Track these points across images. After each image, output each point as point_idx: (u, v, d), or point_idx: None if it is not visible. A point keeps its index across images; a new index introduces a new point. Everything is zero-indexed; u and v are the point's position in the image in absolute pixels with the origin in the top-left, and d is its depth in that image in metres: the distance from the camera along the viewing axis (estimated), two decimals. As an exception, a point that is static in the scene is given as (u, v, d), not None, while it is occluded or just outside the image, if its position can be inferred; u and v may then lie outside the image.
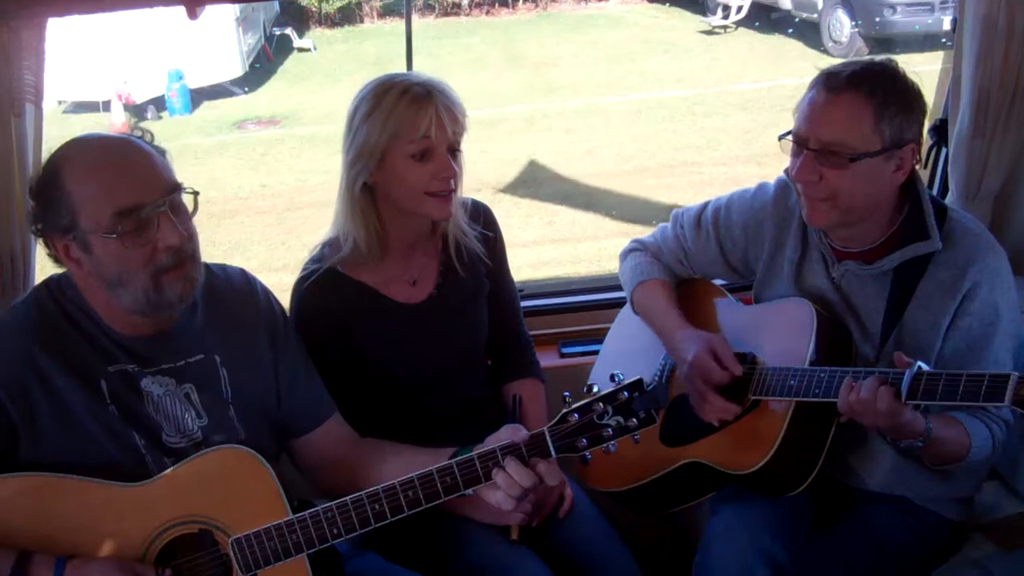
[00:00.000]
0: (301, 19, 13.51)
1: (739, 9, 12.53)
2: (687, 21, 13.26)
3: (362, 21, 13.74)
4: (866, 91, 1.99)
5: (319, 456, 2.09)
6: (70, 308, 1.86)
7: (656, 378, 2.39)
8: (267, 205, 8.45)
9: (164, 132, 9.57)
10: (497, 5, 14.12)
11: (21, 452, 1.81)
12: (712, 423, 2.18)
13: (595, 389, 1.84)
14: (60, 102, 10.16)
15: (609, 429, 1.81)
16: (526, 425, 2.01)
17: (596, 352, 2.68)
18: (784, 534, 2.13)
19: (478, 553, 2.13)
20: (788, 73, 10.57)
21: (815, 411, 2.06)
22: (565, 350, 3.00)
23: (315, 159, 9.05)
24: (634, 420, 1.81)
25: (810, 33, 11.87)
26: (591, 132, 9.79)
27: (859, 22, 11.16)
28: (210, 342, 1.95)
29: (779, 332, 2.20)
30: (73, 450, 1.81)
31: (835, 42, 11.41)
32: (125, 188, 1.75)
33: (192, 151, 9.45)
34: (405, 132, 2.08)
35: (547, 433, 1.81)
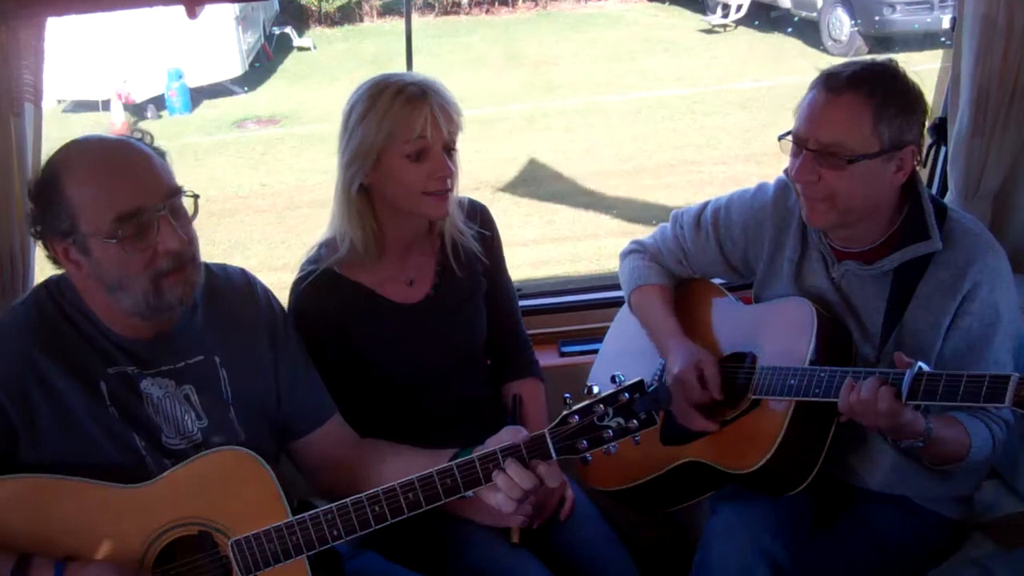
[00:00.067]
0: (301, 18, 13.50)
1: (739, 8, 12.51)
2: (687, 20, 13.25)
3: (362, 20, 13.72)
4: (866, 92, 1.98)
5: (319, 457, 2.08)
6: (69, 309, 1.86)
7: (656, 379, 2.39)
8: (267, 204, 8.45)
9: (164, 131, 9.65)
10: (497, 4, 14.10)
11: (20, 454, 1.81)
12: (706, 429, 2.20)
13: (595, 390, 1.84)
14: (60, 101, 10.14)
15: (610, 431, 1.80)
16: (526, 425, 2.02)
17: (596, 351, 2.68)
18: (784, 533, 2.13)
19: (478, 555, 2.12)
20: (788, 72, 10.56)
21: (815, 410, 2.06)
22: (564, 349, 3.00)
23: (315, 158, 9.05)
24: (635, 421, 1.80)
25: (810, 32, 11.86)
26: (591, 131, 9.78)
27: (858, 21, 11.15)
28: (210, 343, 1.94)
29: (779, 332, 2.20)
30: (73, 451, 1.81)
31: (835, 41, 11.40)
32: (125, 192, 1.74)
33: (192, 150, 9.45)
34: (401, 132, 2.08)
35: (548, 435, 1.81)
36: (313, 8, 13.56)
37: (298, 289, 2.23)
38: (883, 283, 2.14)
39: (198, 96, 10.86)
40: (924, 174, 2.91)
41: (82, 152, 1.80)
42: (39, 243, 1.84)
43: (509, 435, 1.84)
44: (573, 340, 3.02)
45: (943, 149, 2.87)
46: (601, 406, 1.81)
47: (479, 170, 8.28)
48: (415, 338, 2.26)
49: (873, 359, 2.15)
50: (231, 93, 11.13)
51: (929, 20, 10.47)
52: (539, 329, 2.95)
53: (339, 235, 2.21)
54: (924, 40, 10.25)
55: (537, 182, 8.57)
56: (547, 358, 2.87)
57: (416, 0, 13.38)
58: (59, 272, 1.87)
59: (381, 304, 2.25)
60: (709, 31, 12.70)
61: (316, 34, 13.31)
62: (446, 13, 13.85)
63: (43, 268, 1.98)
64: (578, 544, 2.24)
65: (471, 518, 2.17)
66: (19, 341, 1.81)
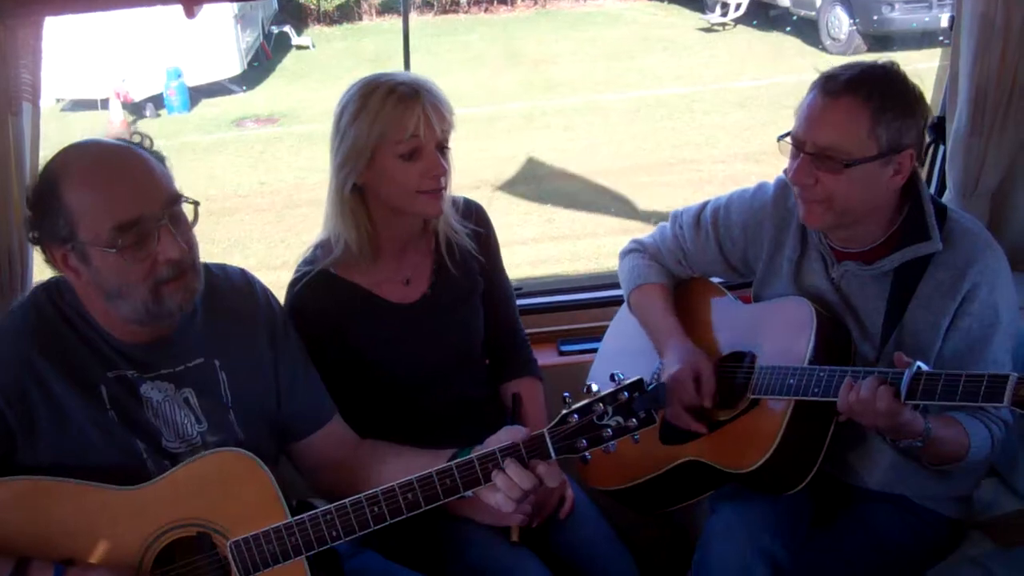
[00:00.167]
0: (300, 17, 13.49)
1: (737, 6, 12.52)
2: (686, 18, 13.25)
3: (361, 19, 13.72)
4: (863, 96, 1.97)
5: (320, 458, 2.08)
6: (69, 312, 1.85)
7: (655, 377, 2.39)
8: (266, 203, 8.44)
9: (162, 130, 9.66)
10: (496, 2, 14.09)
11: (19, 456, 1.80)
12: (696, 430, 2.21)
13: (594, 388, 1.84)
14: (58, 100, 10.13)
15: (609, 429, 1.80)
16: (525, 425, 2.01)
17: (595, 350, 2.68)
18: (783, 532, 2.13)
19: (478, 554, 2.12)
20: (786, 70, 10.56)
21: (814, 410, 2.06)
22: (564, 348, 3.00)
23: (314, 156, 9.04)
24: (634, 420, 1.80)
25: (808, 30, 11.86)
26: (590, 129, 9.78)
27: (857, 19, 11.15)
28: (209, 346, 1.94)
29: (778, 331, 2.20)
30: (71, 454, 1.81)
31: (833, 39, 11.40)
32: (125, 202, 1.72)
33: (191, 149, 9.45)
34: (393, 132, 2.08)
35: (547, 435, 1.81)
36: (312, 7, 13.56)
37: (294, 290, 2.22)
38: (883, 283, 2.14)
39: (197, 95, 10.84)
40: (922, 173, 2.91)
41: (81, 158, 1.77)
42: (37, 248, 1.83)
43: (508, 435, 1.84)
44: (572, 339, 3.02)
45: (941, 148, 2.87)
46: (600, 405, 1.80)
47: (478, 169, 8.28)
48: (413, 338, 2.26)
49: (873, 359, 2.15)
50: (230, 92, 11.12)
51: (928, 19, 10.47)
52: (538, 328, 2.95)
53: (333, 236, 2.20)
54: (923, 39, 10.24)
55: (536, 181, 8.57)
56: (546, 357, 2.87)
57: (415, -2, 13.41)
58: (58, 274, 1.86)
59: (378, 304, 2.25)
60: (708, 30, 12.71)
61: (315, 33, 13.31)
62: (445, 12, 13.85)
63: (42, 268, 1.97)
64: (578, 543, 2.24)
65: (471, 517, 2.17)
66: (17, 343, 1.81)
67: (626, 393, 1.80)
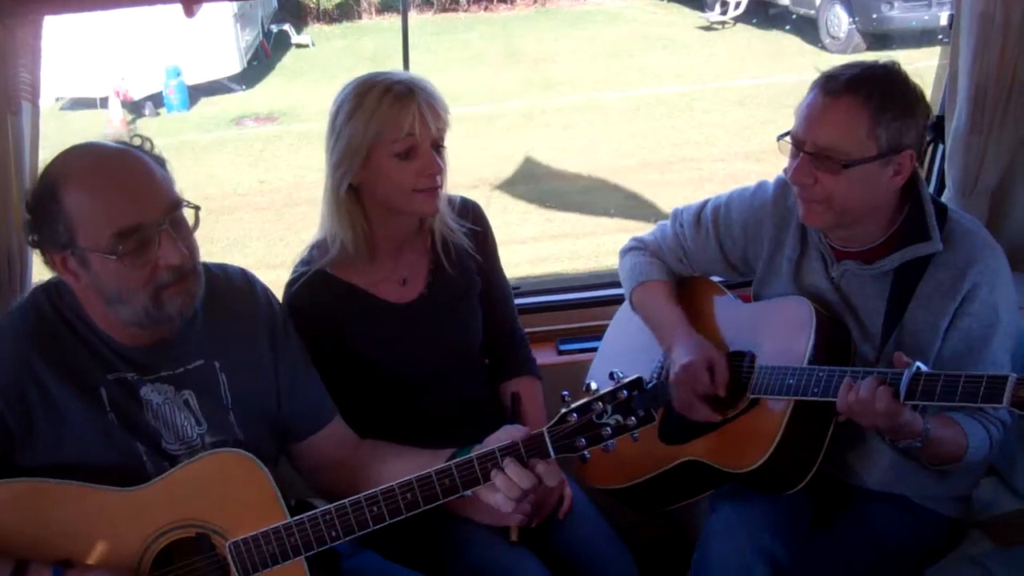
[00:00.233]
0: (299, 15, 13.49)
1: (737, 5, 12.52)
2: (685, 17, 13.24)
3: (360, 17, 13.71)
4: (863, 96, 1.97)
5: (320, 458, 2.08)
6: (68, 314, 1.84)
7: (655, 376, 2.39)
8: (265, 201, 8.44)
9: (162, 129, 9.67)
10: (495, 1, 14.09)
11: (17, 457, 1.80)
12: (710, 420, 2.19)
13: (593, 387, 1.83)
14: (58, 99, 10.12)
15: (608, 428, 1.79)
16: (524, 424, 2.01)
17: (594, 349, 2.68)
18: (783, 532, 2.13)
19: (478, 554, 2.12)
20: (786, 69, 10.56)
21: (814, 410, 2.06)
22: (563, 347, 3.00)
23: (313, 155, 9.01)
24: (633, 419, 1.80)
25: (808, 29, 11.85)
26: (589, 128, 9.77)
27: (857, 18, 11.14)
28: (210, 347, 1.93)
29: (778, 330, 2.20)
30: (70, 455, 1.80)
31: (833, 38, 11.39)
32: (125, 208, 1.70)
33: (190, 147, 9.45)
34: (389, 131, 2.08)
35: (546, 434, 1.80)
36: (311, 5, 13.55)
37: (290, 291, 2.22)
38: (883, 283, 2.14)
39: (196, 93, 10.84)
40: (922, 172, 2.91)
41: (80, 162, 1.76)
42: (36, 251, 1.81)
43: (507, 434, 1.83)
44: (572, 338, 3.02)
45: (940, 146, 2.87)
46: (599, 404, 1.80)
47: (477, 167, 8.28)
48: (411, 337, 2.26)
49: (873, 359, 2.15)
50: (229, 90, 11.12)
51: (927, 17, 10.46)
52: (537, 327, 2.95)
53: (329, 236, 2.20)
54: (922, 37, 10.24)
55: (536, 179, 8.56)
56: (545, 356, 2.87)
57: (414, -3, 13.41)
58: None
59: (375, 304, 2.24)
60: (708, 28, 12.70)
61: (314, 31, 13.31)
62: (444, 10, 13.83)
63: (41, 269, 1.96)
64: (577, 542, 2.24)
65: (470, 517, 2.17)
66: (17, 345, 1.80)
67: (625, 391, 1.80)
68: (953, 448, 2.02)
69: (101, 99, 9.83)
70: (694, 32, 12.68)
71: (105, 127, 9.49)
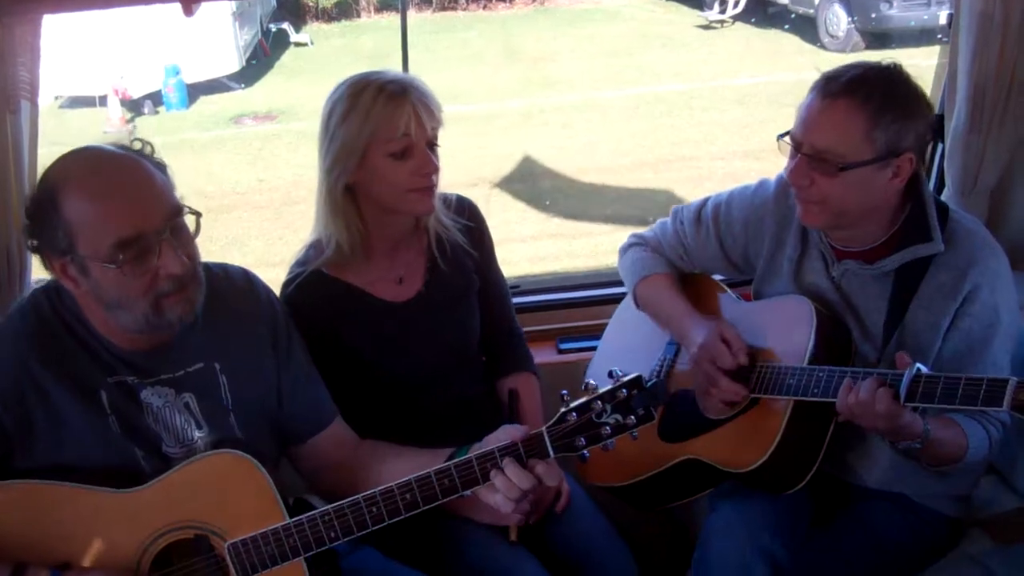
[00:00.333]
0: (298, 14, 13.48)
1: (736, 3, 12.52)
2: (684, 15, 13.24)
3: (359, 15, 13.71)
4: (861, 98, 1.95)
5: (321, 459, 2.07)
6: (68, 317, 1.83)
7: (655, 374, 2.39)
8: (264, 200, 8.43)
9: (161, 127, 9.66)
10: (494, 0, 14.09)
11: (15, 459, 1.80)
12: (713, 416, 2.19)
13: (592, 386, 1.83)
14: (57, 97, 10.12)
15: (607, 427, 1.79)
16: (522, 422, 2.01)
17: (594, 348, 2.67)
18: (783, 531, 2.13)
19: (477, 554, 2.12)
20: (785, 68, 10.56)
21: (814, 409, 2.05)
22: (563, 346, 2.99)
23: (312, 153, 8.76)
24: (632, 417, 1.79)
25: (807, 28, 11.85)
26: (588, 127, 9.77)
27: (856, 17, 11.14)
28: (210, 349, 1.92)
29: (778, 329, 2.20)
30: (69, 458, 1.80)
31: (832, 37, 11.39)
32: (126, 217, 1.68)
33: (189, 146, 9.44)
34: (384, 131, 2.07)
35: (545, 434, 1.80)
36: (310, 4, 13.55)
37: (287, 291, 2.22)
38: (884, 283, 2.14)
39: (195, 92, 10.83)
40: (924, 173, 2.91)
41: (80, 168, 1.73)
42: (36, 255, 1.80)
43: (507, 434, 1.83)
44: (571, 337, 3.01)
45: (940, 146, 2.87)
46: (599, 402, 1.80)
47: (476, 166, 8.27)
48: (409, 336, 2.26)
49: (874, 359, 2.14)
50: (228, 89, 11.11)
51: (926, 16, 10.46)
52: (537, 326, 2.94)
53: (325, 237, 2.20)
54: (921, 36, 10.24)
55: (534, 178, 8.56)
56: (545, 355, 2.86)
57: (413, -5, 13.41)
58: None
59: (372, 303, 2.24)
60: (706, 27, 12.70)
61: (313, 30, 13.30)
62: (443, 9, 13.83)
63: (41, 268, 1.95)
64: (575, 537, 2.24)
65: (470, 516, 2.16)
66: (16, 347, 1.80)
67: (625, 390, 1.79)
68: (953, 449, 2.01)
69: (100, 97, 9.83)
70: (693, 31, 12.68)
71: (104, 125, 9.50)
